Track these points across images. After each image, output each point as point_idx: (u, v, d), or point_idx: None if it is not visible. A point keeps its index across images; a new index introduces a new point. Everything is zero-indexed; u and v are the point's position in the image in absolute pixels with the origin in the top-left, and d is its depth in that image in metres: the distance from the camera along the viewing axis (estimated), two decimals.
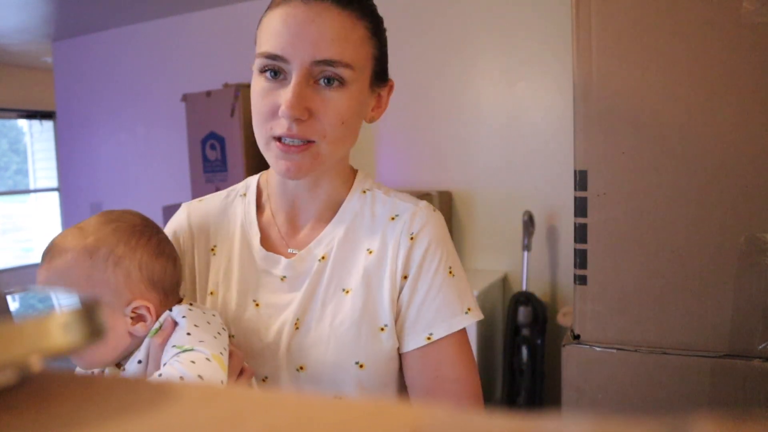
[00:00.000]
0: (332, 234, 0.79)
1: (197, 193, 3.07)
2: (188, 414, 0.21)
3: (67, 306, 0.24)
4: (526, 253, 2.53)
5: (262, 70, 0.72)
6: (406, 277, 0.77)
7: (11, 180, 5.51)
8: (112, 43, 3.77)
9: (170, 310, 0.70)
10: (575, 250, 1.01)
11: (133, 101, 3.72)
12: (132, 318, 0.69)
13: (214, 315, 0.72)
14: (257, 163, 3.02)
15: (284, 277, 0.79)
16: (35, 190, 5.48)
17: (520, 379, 2.42)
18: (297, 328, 0.76)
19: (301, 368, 0.75)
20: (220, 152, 2.97)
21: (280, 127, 0.70)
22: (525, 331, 2.42)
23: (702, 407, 0.92)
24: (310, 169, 0.73)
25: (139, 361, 0.69)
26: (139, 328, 0.69)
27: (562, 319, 2.39)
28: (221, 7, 3.33)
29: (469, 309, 0.77)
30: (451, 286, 0.77)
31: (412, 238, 0.77)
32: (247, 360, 0.76)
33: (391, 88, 0.82)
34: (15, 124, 5.43)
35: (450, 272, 0.77)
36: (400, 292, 0.77)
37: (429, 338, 0.75)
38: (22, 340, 0.21)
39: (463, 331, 0.77)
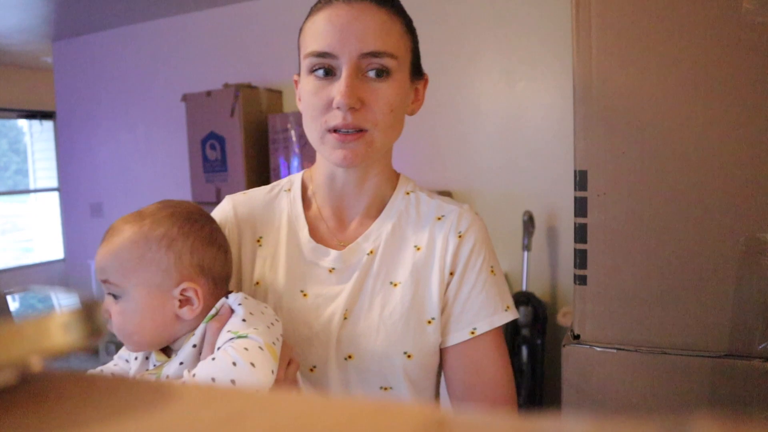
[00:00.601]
0: (379, 230, 0.83)
1: (197, 192, 3.07)
2: (188, 414, 0.21)
3: (67, 306, 0.24)
4: (526, 253, 2.53)
5: (312, 70, 0.76)
6: (452, 274, 0.81)
7: (11, 180, 5.50)
8: (112, 43, 3.77)
9: (226, 297, 0.72)
10: (575, 250, 1.01)
11: (133, 101, 3.72)
12: (180, 300, 0.71)
13: (266, 307, 0.74)
14: (257, 163, 3.02)
15: (332, 269, 0.81)
16: (35, 190, 5.48)
17: (520, 379, 2.42)
18: (346, 318, 0.78)
19: (349, 357, 0.77)
20: (220, 152, 2.97)
21: (335, 118, 0.74)
22: (525, 331, 2.42)
23: (702, 407, 0.92)
24: (365, 157, 0.77)
25: (194, 345, 0.71)
26: (186, 311, 0.71)
27: (562, 319, 2.39)
28: (221, 7, 3.33)
29: (508, 307, 0.82)
30: (493, 285, 0.81)
31: (460, 236, 0.82)
32: (295, 349, 0.77)
33: (426, 81, 0.86)
34: (15, 124, 5.43)
35: (492, 271, 0.82)
36: (446, 288, 0.80)
37: (473, 333, 0.79)
38: (22, 340, 0.21)
39: (501, 329, 0.82)
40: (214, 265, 0.74)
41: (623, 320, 0.98)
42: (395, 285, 0.80)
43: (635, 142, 0.95)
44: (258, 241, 0.85)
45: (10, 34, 3.79)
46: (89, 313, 0.23)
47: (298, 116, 2.85)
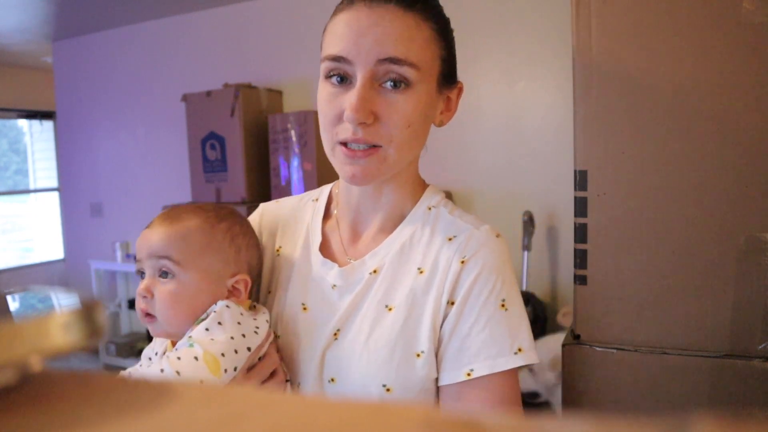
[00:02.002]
0: (388, 248, 0.77)
1: (197, 193, 3.07)
2: (188, 414, 0.21)
3: (67, 306, 0.24)
4: (526, 253, 2.53)
5: (328, 75, 0.71)
6: (452, 303, 0.71)
7: (11, 180, 5.50)
8: (112, 43, 3.78)
9: (215, 304, 0.74)
10: (575, 250, 1.01)
11: (133, 101, 3.72)
12: (229, 291, 0.75)
13: (255, 318, 0.74)
14: (257, 163, 3.02)
15: (335, 285, 0.77)
16: (35, 190, 5.48)
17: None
18: (336, 339, 0.74)
19: (332, 380, 0.73)
20: (220, 152, 2.97)
21: (345, 131, 0.69)
22: None
23: (702, 407, 0.92)
24: (376, 175, 0.71)
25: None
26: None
27: (562, 319, 2.39)
28: (221, 7, 3.33)
29: (520, 349, 0.70)
30: (502, 321, 0.70)
31: (462, 262, 0.72)
32: (286, 364, 0.76)
33: (461, 90, 0.80)
34: (15, 124, 5.43)
35: (502, 305, 0.71)
36: (444, 319, 0.72)
37: (469, 375, 0.69)
38: (22, 340, 0.21)
39: (510, 375, 0.70)
40: (256, 266, 0.80)
41: (623, 320, 0.98)
42: (390, 309, 0.73)
43: (635, 142, 0.95)
44: (277, 251, 0.84)
45: (10, 34, 3.79)
46: (89, 313, 0.23)
47: (298, 116, 2.85)
